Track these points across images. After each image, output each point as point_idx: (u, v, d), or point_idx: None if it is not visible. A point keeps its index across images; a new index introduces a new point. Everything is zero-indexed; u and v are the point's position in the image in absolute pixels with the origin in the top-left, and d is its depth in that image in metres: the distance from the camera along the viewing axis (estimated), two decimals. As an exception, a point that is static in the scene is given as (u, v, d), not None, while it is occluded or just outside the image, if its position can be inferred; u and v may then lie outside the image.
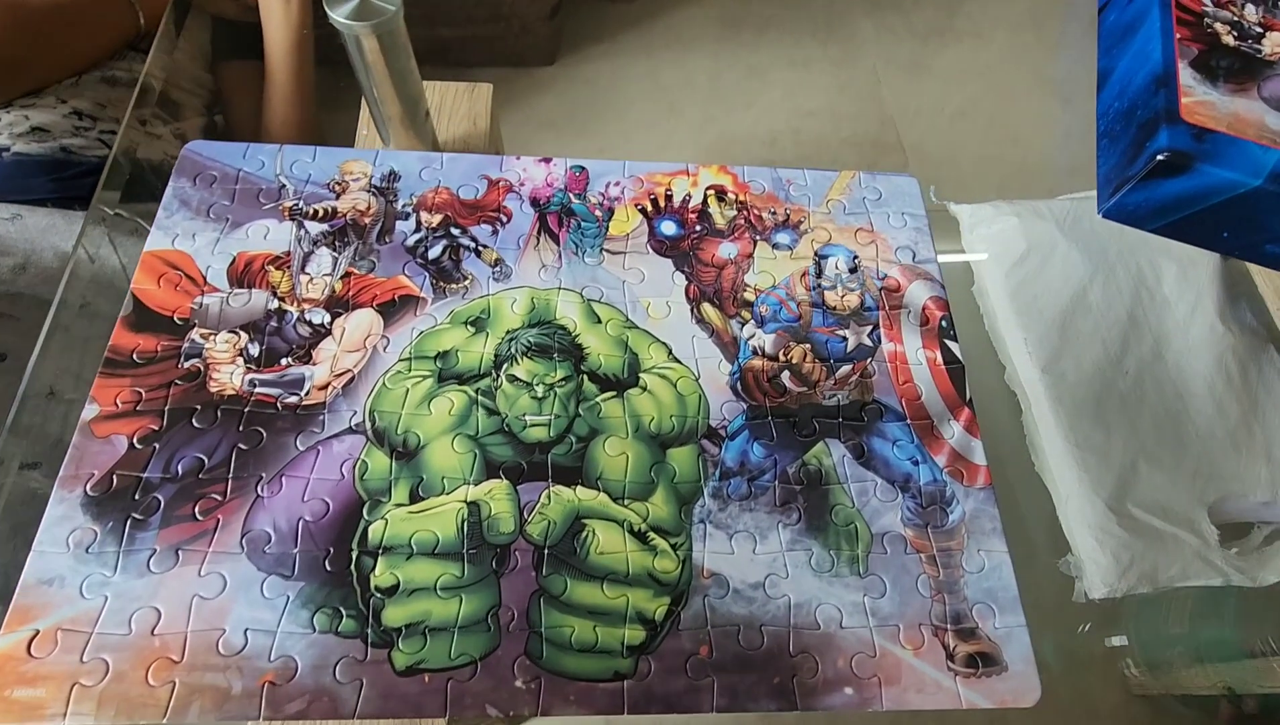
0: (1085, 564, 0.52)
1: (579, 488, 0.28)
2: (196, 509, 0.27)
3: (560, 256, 0.33)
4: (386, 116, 0.48)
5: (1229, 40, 0.37)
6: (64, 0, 0.71)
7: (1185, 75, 0.36)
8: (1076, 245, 0.63)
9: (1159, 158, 0.33)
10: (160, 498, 0.27)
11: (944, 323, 0.33)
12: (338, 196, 0.34)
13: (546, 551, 0.27)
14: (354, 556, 0.26)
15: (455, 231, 0.33)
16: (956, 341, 0.33)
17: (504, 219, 0.34)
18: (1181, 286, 0.62)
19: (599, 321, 0.32)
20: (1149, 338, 0.61)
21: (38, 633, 0.24)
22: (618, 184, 0.35)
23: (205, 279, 0.31)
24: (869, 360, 0.32)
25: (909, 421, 0.31)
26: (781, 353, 0.31)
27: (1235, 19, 0.38)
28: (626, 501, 0.28)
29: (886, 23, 1.24)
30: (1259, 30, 0.38)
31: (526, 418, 0.29)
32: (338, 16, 0.40)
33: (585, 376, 0.30)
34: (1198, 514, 0.55)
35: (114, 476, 0.27)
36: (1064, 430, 0.56)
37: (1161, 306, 0.62)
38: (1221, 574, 0.53)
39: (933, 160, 1.12)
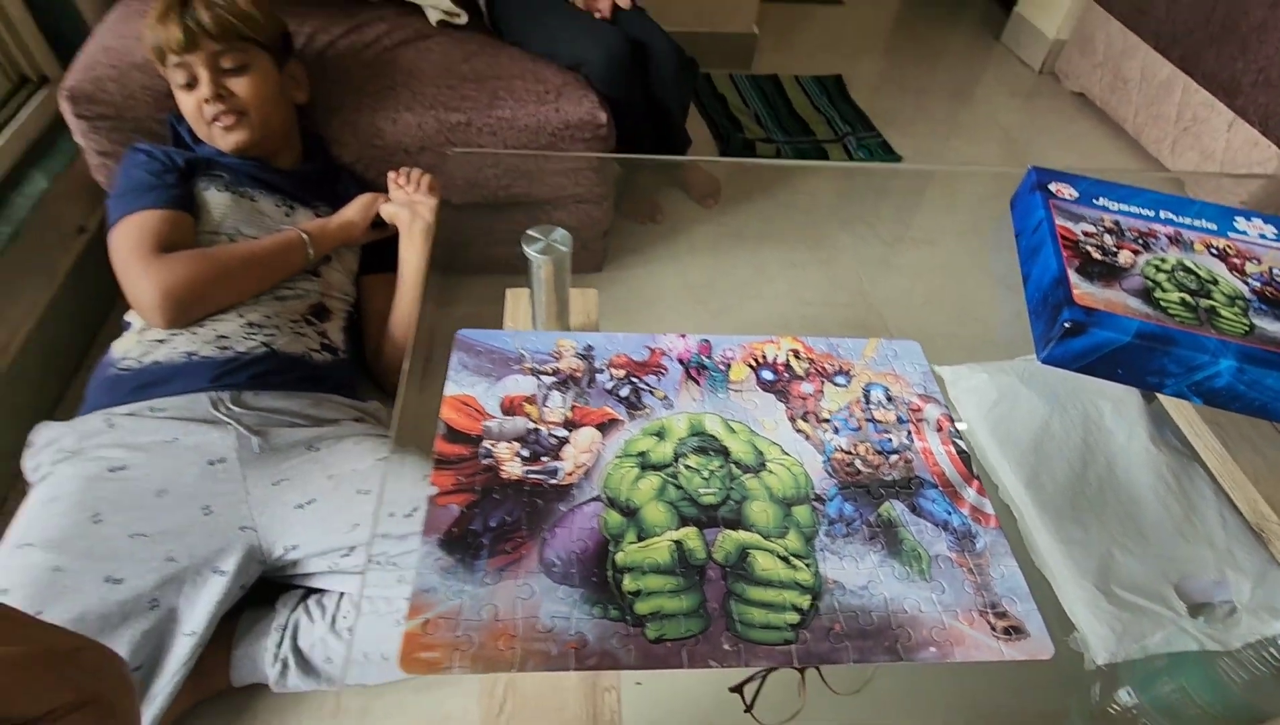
0: (1088, 636, 0.66)
1: (741, 531, 0.44)
2: (508, 546, 0.42)
3: (703, 394, 0.52)
4: (546, 313, 0.69)
5: (1097, 256, 0.61)
6: (258, 253, 0.94)
7: (1074, 277, 0.58)
8: (1034, 392, 0.84)
9: (1065, 326, 0.55)
10: (485, 541, 0.42)
11: (952, 429, 0.52)
12: (557, 361, 0.53)
13: (728, 569, 0.42)
14: (610, 574, 0.42)
15: (635, 380, 0.52)
16: (962, 439, 0.51)
17: (663, 371, 0.53)
18: (1117, 420, 0.82)
19: (734, 432, 0.50)
20: (1102, 458, 0.80)
21: (428, 620, 0.39)
22: (730, 350, 0.55)
23: (486, 411, 0.49)
24: (909, 452, 0.50)
25: (940, 488, 0.48)
26: (853, 448, 0.49)
27: (1099, 245, 0.62)
28: (772, 538, 0.44)
29: (859, 233, 1.56)
30: (1115, 250, 0.61)
31: (700, 490, 0.46)
32: (530, 251, 0.62)
33: (733, 464, 0.48)
34: (1167, 592, 0.70)
35: (454, 528, 0.43)
36: (1050, 530, 0.73)
37: (1106, 435, 0.81)
38: (1197, 640, 0.67)
39: (911, 337, 1.37)
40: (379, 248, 1.10)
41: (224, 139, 0.97)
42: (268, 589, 0.82)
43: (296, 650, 0.77)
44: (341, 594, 0.80)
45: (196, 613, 0.73)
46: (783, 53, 2.18)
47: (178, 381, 0.83)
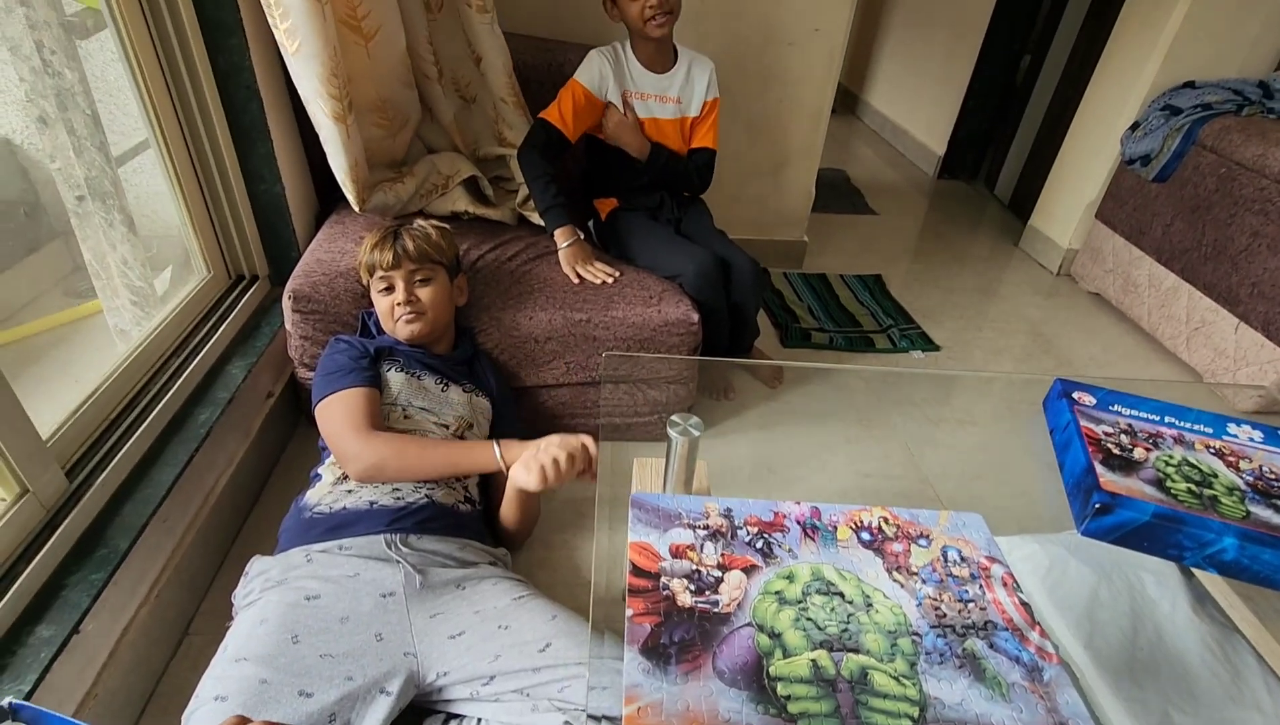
0: (1155, 785, 0.74)
1: (860, 654, 0.59)
2: (689, 657, 0.57)
3: (818, 548, 0.69)
4: (677, 479, 0.88)
5: (1116, 452, 0.78)
6: (452, 457, 1.11)
7: (1099, 468, 0.75)
8: (1082, 562, 0.97)
9: (1096, 506, 0.71)
10: (672, 652, 0.58)
11: (1015, 584, 0.66)
12: (707, 518, 0.71)
13: (853, 683, 0.57)
14: (766, 681, 0.56)
15: (766, 535, 0.69)
16: (1022, 592, 0.66)
17: (786, 529, 0.70)
18: (1160, 591, 0.94)
19: (845, 579, 0.66)
20: (1150, 625, 0.91)
21: (640, 707, 0.53)
22: (835, 515, 0.72)
23: (660, 554, 0.66)
24: (982, 600, 0.64)
25: (1009, 630, 0.62)
26: (938, 595, 0.64)
27: (1117, 443, 0.79)
28: (884, 661, 0.58)
29: (908, 413, 1.75)
30: (1130, 448, 0.79)
31: (825, 622, 0.61)
32: (673, 433, 0.82)
33: (847, 603, 0.63)
34: (1222, 749, 0.78)
35: (649, 641, 0.58)
36: (1110, 687, 0.83)
37: (1151, 604, 0.93)
38: (1252, 794, 0.75)
39: (963, 508, 1.50)
40: (505, 421, 1.32)
41: (403, 330, 1.24)
42: (413, 713, 0.94)
43: (441, 770, 0.88)
44: (480, 719, 0.92)
45: (366, 728, 0.85)
46: (829, 255, 2.53)
47: (361, 524, 1.02)
